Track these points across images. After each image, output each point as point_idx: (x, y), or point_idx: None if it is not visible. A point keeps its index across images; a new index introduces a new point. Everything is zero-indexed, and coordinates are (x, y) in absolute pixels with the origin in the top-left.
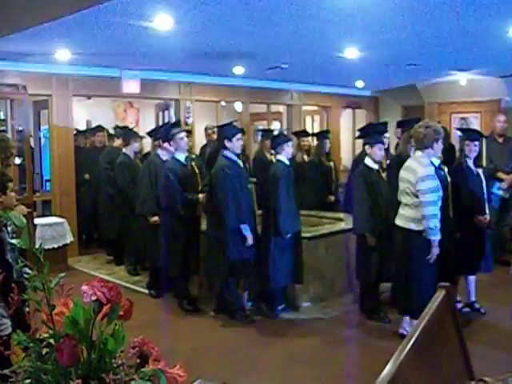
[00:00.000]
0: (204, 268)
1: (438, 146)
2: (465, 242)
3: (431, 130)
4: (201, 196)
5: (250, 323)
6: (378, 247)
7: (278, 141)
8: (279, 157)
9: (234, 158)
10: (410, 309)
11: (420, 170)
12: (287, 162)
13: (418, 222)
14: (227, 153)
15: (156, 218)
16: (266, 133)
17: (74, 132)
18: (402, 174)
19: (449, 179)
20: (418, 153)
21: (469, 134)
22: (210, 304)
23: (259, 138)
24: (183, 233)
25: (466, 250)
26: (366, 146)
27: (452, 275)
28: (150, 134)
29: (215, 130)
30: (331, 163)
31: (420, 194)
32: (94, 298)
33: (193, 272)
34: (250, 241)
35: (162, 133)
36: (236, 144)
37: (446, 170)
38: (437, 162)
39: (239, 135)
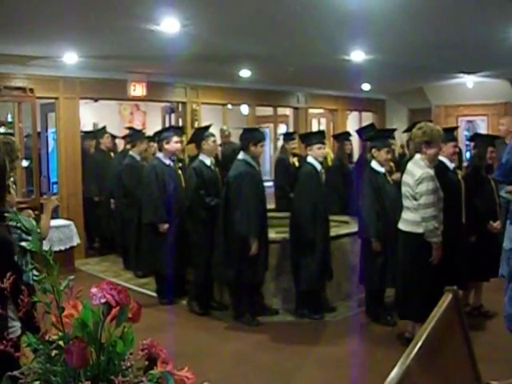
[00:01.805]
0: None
1: (431, 150)
2: (478, 248)
3: (421, 131)
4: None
5: (256, 326)
6: (383, 252)
7: (305, 141)
8: (309, 158)
9: (253, 162)
10: (410, 313)
11: (417, 172)
12: (316, 165)
13: (419, 224)
14: (246, 157)
15: (166, 226)
16: (288, 136)
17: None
18: (404, 177)
19: (462, 184)
20: (417, 155)
21: (491, 140)
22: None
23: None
24: (207, 238)
25: (479, 256)
26: (373, 150)
27: (463, 280)
28: (152, 137)
29: (231, 131)
30: (354, 165)
31: (418, 196)
32: (103, 300)
33: (217, 278)
34: (254, 250)
35: (195, 136)
36: (259, 150)
37: (459, 174)
38: (451, 165)
39: (263, 142)
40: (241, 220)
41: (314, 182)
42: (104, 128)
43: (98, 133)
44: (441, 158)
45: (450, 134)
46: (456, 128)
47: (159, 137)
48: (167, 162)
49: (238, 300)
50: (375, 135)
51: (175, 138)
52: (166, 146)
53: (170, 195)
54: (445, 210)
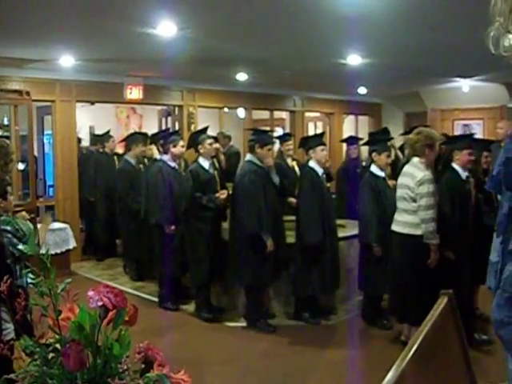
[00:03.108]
0: (228, 274)
1: (432, 153)
2: (482, 254)
3: (422, 136)
4: (218, 194)
5: (272, 332)
6: (383, 257)
7: (306, 145)
8: (310, 163)
9: (259, 163)
10: (408, 316)
11: (418, 174)
12: (318, 169)
13: (416, 226)
14: (252, 158)
15: (173, 227)
16: (283, 137)
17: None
18: (400, 180)
19: (473, 193)
20: (415, 159)
21: (486, 145)
22: (232, 315)
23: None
24: (207, 238)
25: (477, 259)
26: (373, 154)
27: (469, 285)
28: (152, 138)
29: (229, 135)
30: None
31: (419, 197)
32: (100, 303)
33: (216, 279)
34: (269, 247)
35: (192, 140)
36: (265, 153)
37: (472, 182)
38: (464, 174)
39: (270, 146)
40: (248, 217)
41: (317, 187)
42: (108, 132)
43: (103, 136)
44: (454, 166)
45: (464, 141)
46: (471, 135)
47: (166, 140)
48: (172, 164)
49: (253, 305)
50: (376, 139)
51: (181, 142)
52: (173, 150)
53: (175, 197)
54: (455, 218)
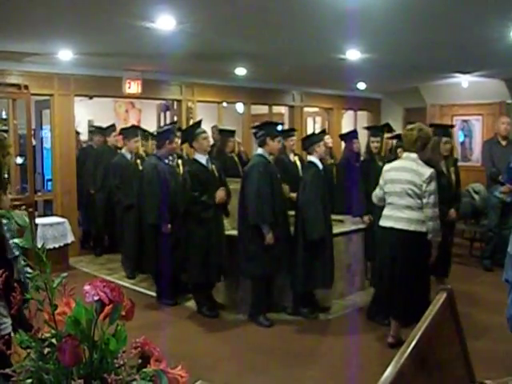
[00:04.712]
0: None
1: (427, 150)
2: None
3: (423, 132)
4: (218, 195)
5: (270, 327)
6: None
7: (309, 141)
8: (311, 158)
9: (269, 158)
10: (415, 316)
11: (425, 172)
12: (319, 164)
13: (422, 223)
14: (263, 152)
15: (169, 226)
16: (288, 133)
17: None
18: (399, 175)
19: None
20: (413, 155)
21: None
22: (231, 310)
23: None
24: (204, 237)
25: None
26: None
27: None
28: (153, 135)
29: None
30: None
31: (427, 194)
32: (96, 298)
33: (215, 278)
34: (269, 240)
35: (186, 135)
36: (277, 145)
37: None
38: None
39: (280, 138)
40: (253, 209)
41: (319, 182)
42: (113, 126)
43: (106, 130)
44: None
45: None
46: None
47: (163, 136)
48: (166, 160)
49: (257, 298)
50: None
51: (176, 139)
52: (169, 146)
53: (171, 194)
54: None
